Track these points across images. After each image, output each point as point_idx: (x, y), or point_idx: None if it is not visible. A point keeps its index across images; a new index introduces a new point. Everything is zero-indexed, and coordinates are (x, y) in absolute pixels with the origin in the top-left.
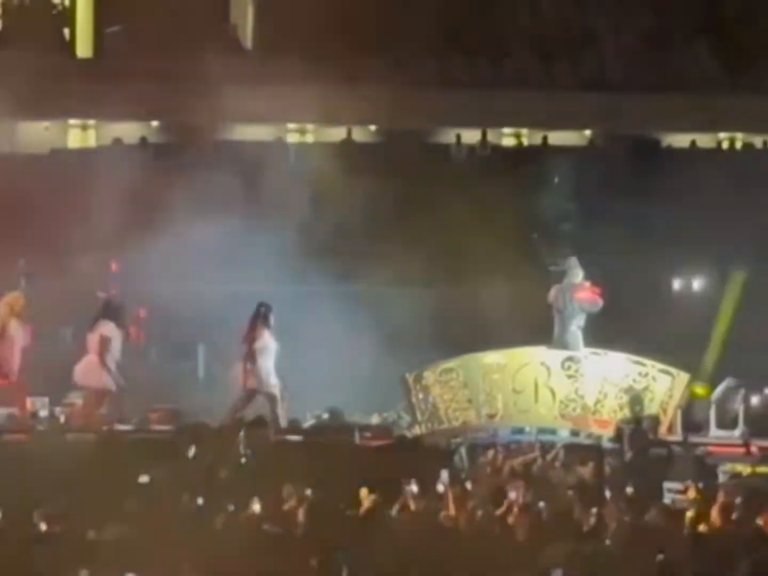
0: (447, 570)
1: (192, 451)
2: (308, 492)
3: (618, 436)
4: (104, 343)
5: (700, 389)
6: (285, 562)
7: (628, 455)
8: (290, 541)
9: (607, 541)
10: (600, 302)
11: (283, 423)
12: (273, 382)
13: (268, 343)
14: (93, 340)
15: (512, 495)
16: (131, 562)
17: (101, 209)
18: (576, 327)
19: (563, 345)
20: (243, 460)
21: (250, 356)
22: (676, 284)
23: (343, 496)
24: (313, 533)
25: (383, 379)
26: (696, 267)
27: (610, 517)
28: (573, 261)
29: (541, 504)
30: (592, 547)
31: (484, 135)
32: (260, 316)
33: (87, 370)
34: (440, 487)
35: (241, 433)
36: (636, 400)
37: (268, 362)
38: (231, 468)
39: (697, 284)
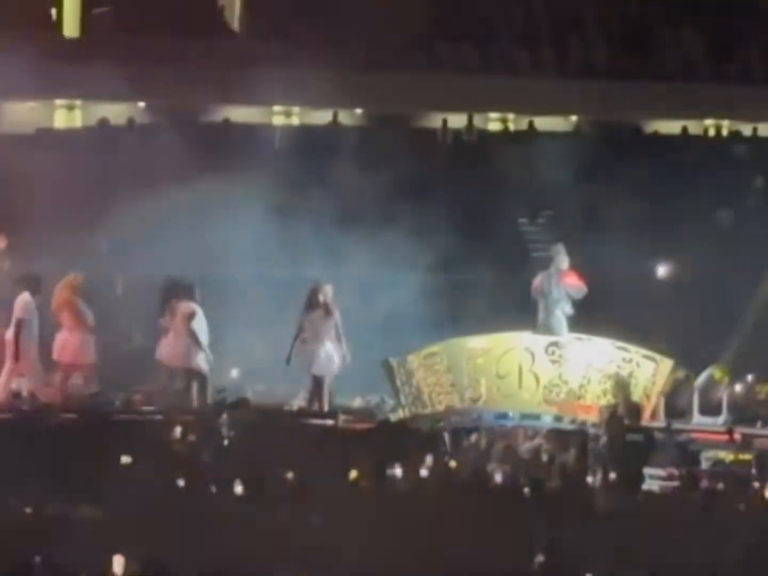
0: (432, 553)
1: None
2: (289, 475)
3: (599, 422)
4: (189, 320)
5: (718, 372)
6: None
7: (603, 440)
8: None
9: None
10: (585, 288)
11: None
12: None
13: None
14: (179, 319)
15: (497, 479)
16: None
17: (87, 190)
18: (561, 312)
19: (548, 330)
20: (225, 442)
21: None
22: (661, 271)
23: (326, 478)
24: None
25: (366, 362)
26: (681, 254)
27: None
28: (559, 247)
29: (526, 489)
30: (576, 532)
31: (470, 120)
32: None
33: (177, 350)
34: (423, 472)
35: (224, 415)
36: (621, 385)
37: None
38: (213, 450)
39: (681, 271)
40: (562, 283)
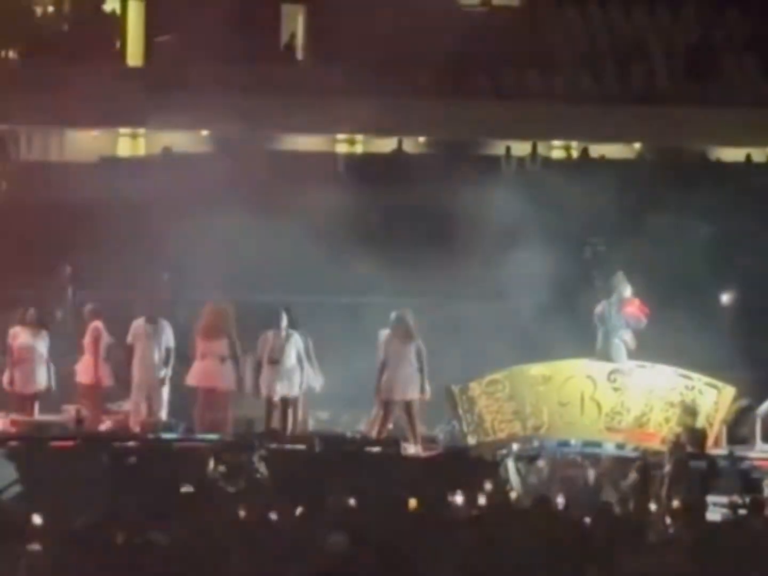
0: None
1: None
2: (352, 502)
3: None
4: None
5: None
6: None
7: (667, 468)
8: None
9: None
10: (644, 320)
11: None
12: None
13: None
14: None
15: (560, 506)
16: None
17: (150, 217)
18: (619, 340)
19: (605, 356)
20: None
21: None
22: (725, 299)
23: (389, 506)
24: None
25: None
26: (745, 281)
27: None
28: (621, 275)
29: (588, 518)
30: (639, 559)
31: (534, 147)
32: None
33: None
34: (485, 499)
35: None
36: (684, 412)
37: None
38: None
39: (746, 298)
40: (622, 311)
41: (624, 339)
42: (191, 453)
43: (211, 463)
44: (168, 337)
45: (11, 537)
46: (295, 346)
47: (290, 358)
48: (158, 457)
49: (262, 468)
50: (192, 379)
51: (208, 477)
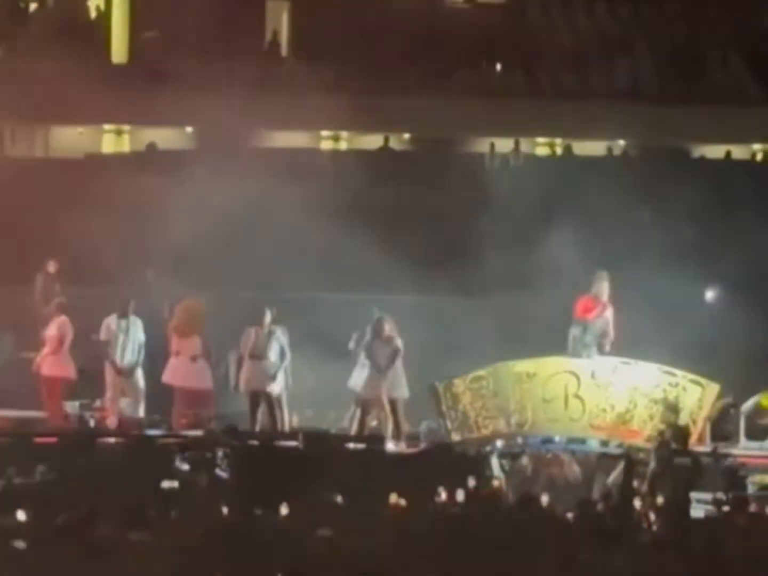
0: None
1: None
2: (338, 499)
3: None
4: None
5: (766, 399)
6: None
7: (651, 465)
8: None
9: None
10: (589, 317)
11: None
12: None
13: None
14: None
15: (543, 503)
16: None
17: (135, 214)
18: (592, 337)
19: (575, 354)
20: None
21: None
22: (707, 296)
23: (373, 502)
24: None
25: (413, 386)
26: (727, 279)
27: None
28: (602, 274)
29: (570, 514)
30: (622, 556)
31: (517, 144)
32: None
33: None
34: (460, 495)
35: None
36: (668, 409)
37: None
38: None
39: (727, 296)
40: (607, 311)
41: (596, 337)
42: (165, 450)
43: (177, 460)
44: (139, 332)
45: None
46: (278, 342)
47: (273, 354)
48: (143, 453)
49: (225, 465)
50: (166, 377)
51: (175, 474)
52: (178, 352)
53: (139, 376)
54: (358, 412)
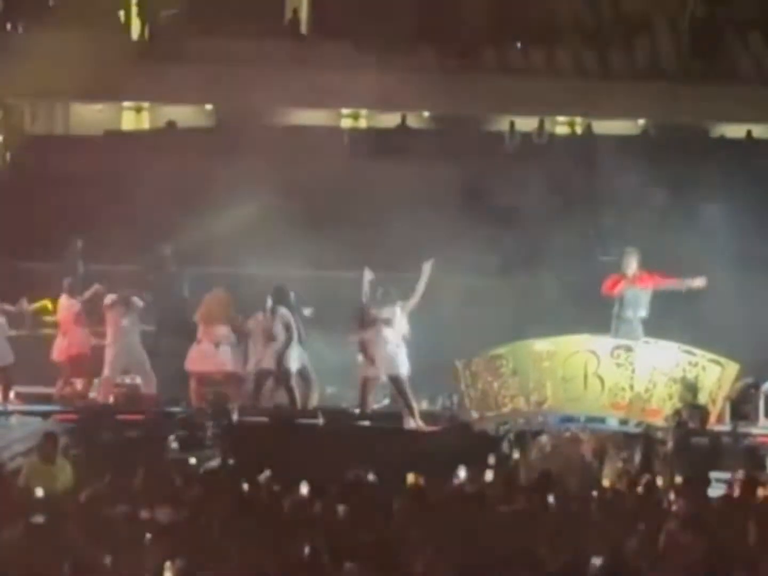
0: (492, 555)
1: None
2: (353, 476)
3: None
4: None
5: None
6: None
7: (670, 444)
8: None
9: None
10: (613, 292)
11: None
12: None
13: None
14: (276, 326)
15: (562, 481)
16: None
17: (154, 192)
18: (633, 315)
19: (618, 334)
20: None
21: None
22: (729, 275)
23: (392, 480)
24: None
25: (433, 365)
26: (749, 258)
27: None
28: (630, 250)
29: (593, 492)
30: (640, 535)
31: (541, 123)
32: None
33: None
34: (488, 474)
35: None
36: (687, 388)
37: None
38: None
39: (749, 276)
40: (639, 284)
41: (638, 314)
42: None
43: (171, 439)
44: (137, 314)
45: (14, 509)
46: (281, 322)
47: (280, 335)
48: (163, 429)
49: (216, 443)
50: (186, 363)
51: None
52: (200, 339)
53: (141, 351)
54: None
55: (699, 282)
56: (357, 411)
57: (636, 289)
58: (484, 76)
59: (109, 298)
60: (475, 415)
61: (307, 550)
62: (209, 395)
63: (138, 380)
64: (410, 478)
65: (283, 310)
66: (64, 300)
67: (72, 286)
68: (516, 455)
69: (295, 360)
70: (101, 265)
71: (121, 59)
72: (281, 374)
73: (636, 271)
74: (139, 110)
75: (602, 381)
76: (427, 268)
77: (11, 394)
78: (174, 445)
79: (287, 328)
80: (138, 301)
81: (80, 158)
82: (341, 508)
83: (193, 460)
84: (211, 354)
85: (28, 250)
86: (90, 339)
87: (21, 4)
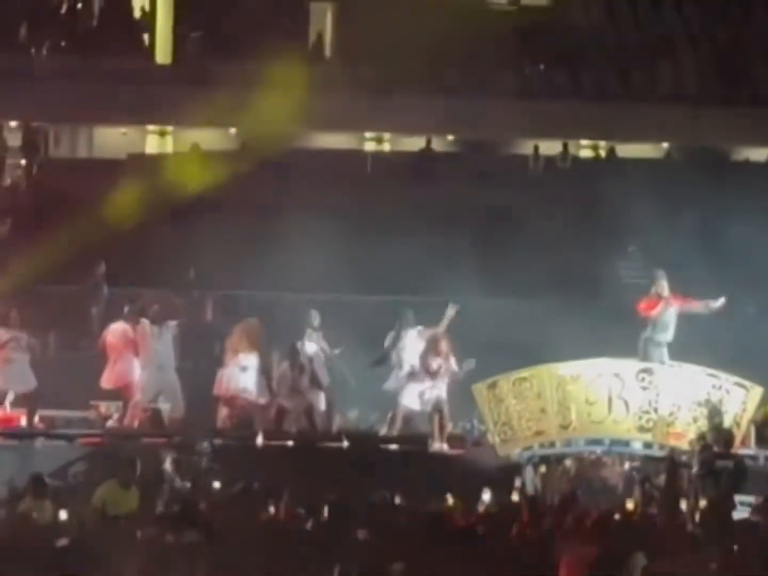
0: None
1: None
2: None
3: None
4: None
5: None
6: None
7: (695, 468)
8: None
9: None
10: (652, 314)
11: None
12: None
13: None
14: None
15: (586, 504)
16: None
17: (178, 214)
18: (663, 338)
19: (647, 357)
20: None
21: None
22: (752, 299)
23: (416, 502)
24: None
25: (457, 387)
26: None
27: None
28: (660, 272)
29: (616, 515)
30: (667, 558)
31: (565, 147)
32: None
33: None
34: (514, 497)
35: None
36: (712, 412)
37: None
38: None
39: None
40: (672, 306)
41: (667, 338)
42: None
43: (167, 462)
44: (170, 337)
45: (40, 533)
46: (308, 350)
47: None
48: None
49: (208, 465)
50: (215, 388)
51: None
52: (227, 364)
53: (174, 376)
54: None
55: (719, 304)
56: (381, 434)
57: (669, 311)
58: (507, 99)
59: (143, 323)
60: (498, 438)
61: (336, 572)
62: (234, 419)
63: (163, 404)
64: (437, 501)
65: (311, 339)
66: (118, 326)
67: (131, 313)
68: (540, 479)
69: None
70: (125, 288)
71: (146, 82)
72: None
73: (669, 293)
74: (163, 134)
75: (627, 404)
76: (450, 312)
77: (35, 419)
78: (168, 468)
79: (315, 355)
80: (171, 324)
81: (103, 182)
82: (365, 532)
83: (187, 485)
84: (236, 378)
85: (51, 273)
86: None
87: (45, 28)
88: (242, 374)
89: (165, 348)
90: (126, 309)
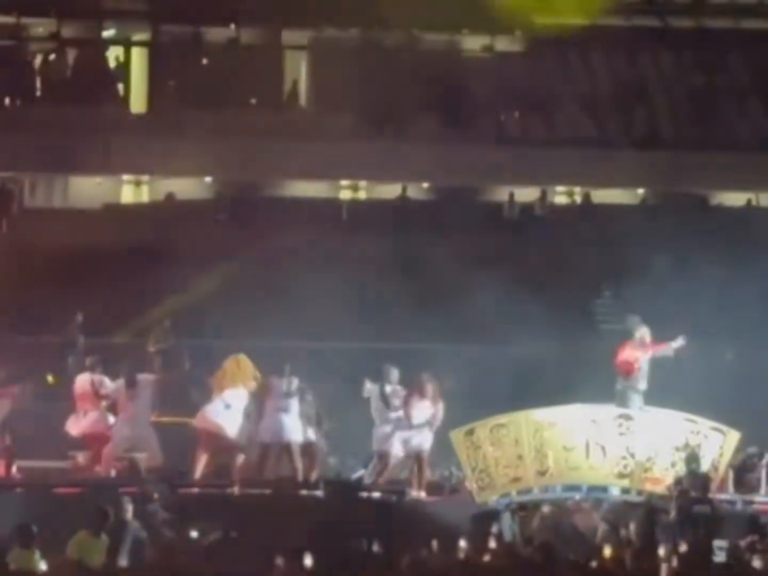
0: None
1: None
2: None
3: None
4: None
5: None
6: None
7: (673, 513)
8: None
9: None
10: (632, 374)
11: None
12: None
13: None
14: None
15: (565, 551)
16: None
17: (153, 264)
18: (641, 385)
19: (624, 403)
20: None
21: None
22: (729, 344)
23: (392, 551)
24: None
25: (436, 434)
26: (750, 328)
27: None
28: (637, 319)
29: (593, 562)
30: None
31: (543, 194)
32: None
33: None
34: (492, 543)
35: None
36: (692, 457)
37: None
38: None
39: (750, 345)
40: (651, 352)
41: (643, 385)
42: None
43: (129, 510)
44: (148, 396)
45: None
46: (297, 394)
47: (294, 406)
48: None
49: (160, 514)
50: (196, 420)
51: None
52: (213, 400)
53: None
54: (378, 465)
55: (679, 343)
56: (359, 481)
57: (647, 358)
58: (482, 146)
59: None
60: (475, 485)
61: None
62: (211, 466)
63: (139, 453)
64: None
65: (297, 382)
66: (84, 377)
67: (94, 364)
68: (518, 526)
69: (298, 431)
70: (101, 338)
71: (121, 132)
72: (284, 446)
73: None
74: (138, 183)
75: (604, 450)
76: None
77: (14, 469)
78: (128, 515)
79: (301, 400)
80: (146, 378)
81: (79, 232)
82: None
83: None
84: (217, 414)
85: (28, 324)
86: (107, 417)
87: (19, 79)
88: (225, 411)
89: (139, 399)
90: (88, 361)
